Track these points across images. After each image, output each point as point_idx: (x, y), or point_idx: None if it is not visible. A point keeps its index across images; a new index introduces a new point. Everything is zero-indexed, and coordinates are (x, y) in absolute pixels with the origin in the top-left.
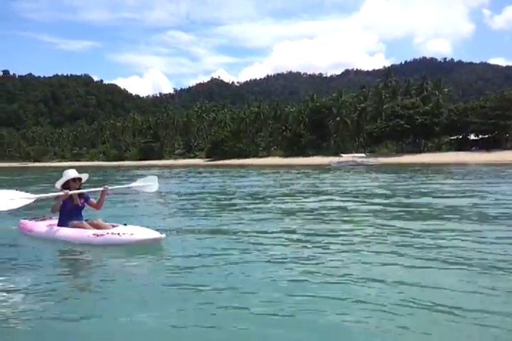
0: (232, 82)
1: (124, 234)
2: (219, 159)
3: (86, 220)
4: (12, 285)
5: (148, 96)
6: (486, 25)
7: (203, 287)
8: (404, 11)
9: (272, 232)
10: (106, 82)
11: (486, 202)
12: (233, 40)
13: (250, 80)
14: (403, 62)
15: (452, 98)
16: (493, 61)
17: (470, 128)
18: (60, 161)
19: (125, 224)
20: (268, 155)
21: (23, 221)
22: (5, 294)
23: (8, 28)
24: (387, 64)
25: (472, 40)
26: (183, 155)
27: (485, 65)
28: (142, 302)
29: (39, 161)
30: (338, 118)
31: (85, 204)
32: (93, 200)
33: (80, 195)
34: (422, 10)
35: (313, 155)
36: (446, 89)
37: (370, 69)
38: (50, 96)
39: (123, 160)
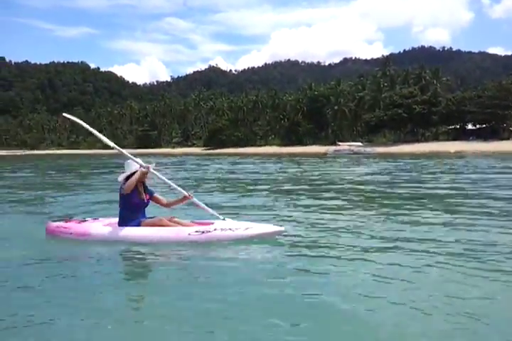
0: (230, 70)
1: (236, 228)
2: (217, 148)
3: (150, 218)
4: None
5: (145, 84)
6: (485, 14)
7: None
8: None
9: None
10: (103, 69)
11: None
12: (231, 28)
13: (248, 68)
14: (402, 51)
15: (450, 87)
16: (491, 50)
17: (468, 118)
18: (57, 149)
19: (224, 219)
20: (266, 144)
21: (56, 223)
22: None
23: (4, 14)
24: (386, 53)
25: (471, 29)
26: (180, 144)
27: (483, 54)
28: None
29: (36, 149)
30: (336, 107)
31: (149, 201)
32: (159, 196)
33: (145, 189)
34: None
35: (310, 144)
36: (444, 79)
37: (369, 57)
38: (47, 83)
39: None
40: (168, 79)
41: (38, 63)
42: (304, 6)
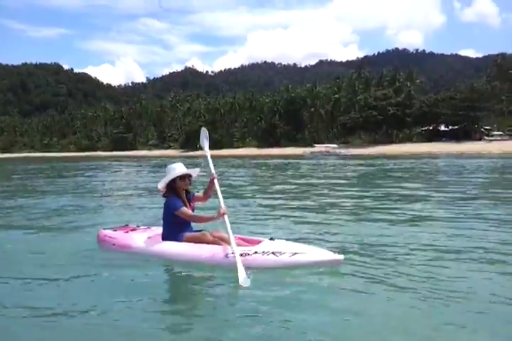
0: (207, 72)
1: (281, 253)
2: (194, 150)
3: (198, 231)
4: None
5: (120, 86)
6: (457, 17)
7: None
8: (376, 2)
9: None
10: (76, 70)
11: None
12: (207, 29)
13: (225, 70)
14: (376, 53)
15: (424, 89)
16: (463, 52)
17: (441, 120)
18: (30, 152)
19: (271, 239)
20: (243, 146)
21: (105, 232)
22: None
23: None
24: (361, 55)
25: (443, 32)
26: (157, 146)
27: (456, 57)
28: None
29: (8, 152)
30: (312, 109)
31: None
32: (197, 194)
33: (187, 196)
34: (394, 2)
35: (287, 145)
36: (417, 81)
37: (344, 60)
38: (19, 85)
39: (95, 150)
40: (144, 81)
41: (10, 64)
42: (280, 8)
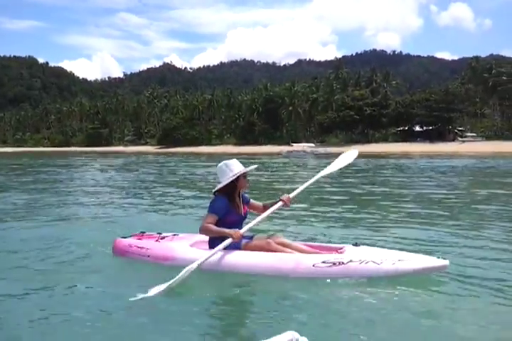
0: (185, 68)
1: (382, 260)
2: (171, 146)
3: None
4: None
5: (96, 80)
6: (433, 20)
7: None
8: (356, 3)
9: None
10: (52, 64)
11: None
12: (186, 25)
13: (203, 67)
14: (354, 54)
15: (400, 90)
16: (439, 55)
17: (415, 120)
18: (1, 147)
19: (356, 244)
20: (221, 143)
21: (129, 241)
22: None
23: None
24: (339, 55)
25: (420, 35)
26: (133, 142)
27: (432, 59)
28: None
29: None
30: (290, 108)
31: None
32: (254, 201)
33: (242, 199)
34: (373, 3)
35: (265, 143)
36: (394, 82)
37: (323, 59)
38: None
39: (69, 146)
40: (121, 76)
41: None
42: (260, 6)
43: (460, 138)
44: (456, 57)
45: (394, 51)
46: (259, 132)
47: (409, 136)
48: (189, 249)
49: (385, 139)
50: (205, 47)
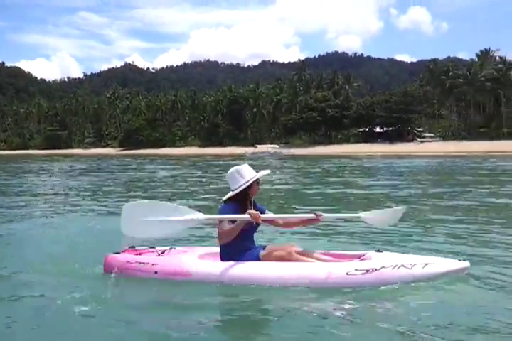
0: (148, 68)
1: (412, 265)
2: (133, 148)
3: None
4: None
5: (55, 81)
6: (393, 23)
7: None
8: (318, 6)
9: None
10: (8, 64)
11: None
12: (148, 25)
13: (166, 67)
14: (317, 56)
15: (361, 92)
16: (399, 57)
17: (376, 121)
18: None
19: (379, 250)
20: (185, 145)
21: (126, 256)
22: None
23: None
24: (302, 57)
25: (380, 37)
26: (93, 145)
27: (392, 61)
28: None
29: None
30: (255, 110)
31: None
32: (272, 213)
33: (254, 207)
34: (335, 6)
35: (230, 145)
36: (355, 84)
37: (286, 61)
38: None
39: (27, 149)
40: (81, 76)
41: None
42: (223, 7)
43: (418, 139)
44: (415, 60)
45: (355, 53)
46: (224, 133)
47: (370, 137)
48: (202, 262)
49: (346, 140)
50: (168, 48)
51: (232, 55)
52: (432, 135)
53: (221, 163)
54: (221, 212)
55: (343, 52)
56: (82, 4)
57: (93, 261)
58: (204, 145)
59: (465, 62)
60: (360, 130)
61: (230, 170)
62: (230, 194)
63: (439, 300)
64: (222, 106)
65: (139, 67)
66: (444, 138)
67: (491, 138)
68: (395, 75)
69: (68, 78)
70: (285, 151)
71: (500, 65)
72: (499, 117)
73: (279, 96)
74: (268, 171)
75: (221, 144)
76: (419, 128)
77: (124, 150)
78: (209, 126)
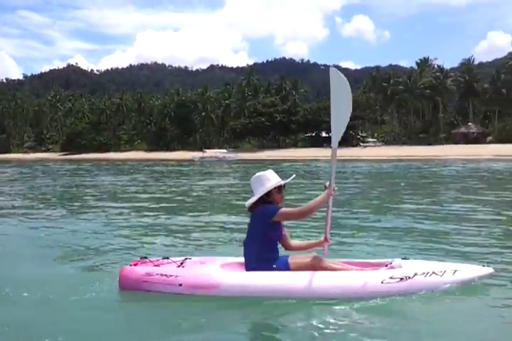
0: (92, 70)
1: (442, 272)
2: (76, 153)
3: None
4: None
5: None
6: (338, 31)
7: None
8: (266, 12)
9: None
10: None
11: None
12: (93, 26)
13: (111, 69)
14: (265, 61)
15: (308, 97)
16: (344, 64)
17: (322, 127)
18: None
19: (405, 258)
20: (131, 149)
21: (145, 269)
22: None
23: None
24: (250, 62)
25: (326, 44)
26: (33, 149)
27: (337, 68)
28: None
29: None
30: (203, 114)
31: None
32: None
33: None
34: (282, 13)
35: (178, 149)
36: (302, 90)
37: (235, 66)
38: None
39: None
40: (20, 78)
41: None
42: (170, 10)
43: (362, 144)
44: (359, 67)
45: (302, 59)
46: (172, 138)
47: (317, 142)
48: (231, 273)
49: (294, 145)
50: (113, 49)
51: (179, 58)
52: (374, 140)
53: (170, 168)
54: (264, 210)
55: (291, 58)
56: (22, 3)
57: None
58: (151, 149)
59: (405, 70)
60: (308, 135)
61: (253, 176)
62: (250, 201)
63: (469, 307)
64: (169, 110)
65: (82, 69)
66: (386, 143)
67: (430, 144)
68: None
69: (7, 79)
70: (233, 156)
71: (438, 73)
72: (437, 123)
73: (227, 101)
74: (293, 177)
75: (169, 148)
76: (362, 133)
77: (66, 154)
78: (156, 129)
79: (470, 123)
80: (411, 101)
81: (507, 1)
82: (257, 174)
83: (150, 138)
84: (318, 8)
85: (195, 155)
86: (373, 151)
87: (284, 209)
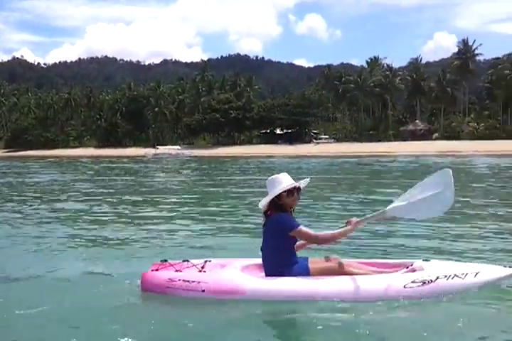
0: (38, 63)
1: (464, 274)
2: (21, 150)
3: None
4: None
5: None
6: (291, 29)
7: None
8: (219, 7)
9: None
10: None
11: None
12: (40, 17)
13: (59, 62)
14: (219, 57)
15: (262, 94)
16: (297, 62)
17: (276, 124)
18: None
19: (426, 260)
20: (80, 146)
21: (168, 274)
22: None
23: None
24: (205, 57)
25: (280, 42)
26: None
27: (291, 65)
28: None
29: None
30: (156, 109)
31: None
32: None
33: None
34: (236, 9)
35: (130, 146)
36: (256, 86)
37: (189, 61)
38: None
39: None
40: None
41: None
42: (122, 3)
43: (315, 140)
44: (312, 65)
45: (256, 56)
46: (123, 133)
47: (272, 138)
48: (255, 279)
49: (249, 141)
50: (61, 42)
51: (131, 52)
52: (327, 137)
53: (120, 165)
54: (282, 219)
55: (245, 55)
56: None
57: None
58: (101, 145)
59: (356, 69)
60: (262, 131)
61: (268, 178)
62: (262, 203)
63: (494, 309)
64: (120, 105)
65: (28, 62)
66: (338, 140)
67: (379, 140)
68: (294, 79)
69: None
70: (187, 152)
71: (387, 72)
72: (386, 120)
73: (181, 97)
74: (307, 181)
75: (120, 145)
76: (315, 130)
77: (11, 151)
78: (106, 125)
79: (417, 121)
80: (361, 99)
81: (452, 3)
82: (272, 176)
83: (100, 134)
84: (272, 4)
85: (148, 151)
86: (326, 148)
87: (302, 230)
